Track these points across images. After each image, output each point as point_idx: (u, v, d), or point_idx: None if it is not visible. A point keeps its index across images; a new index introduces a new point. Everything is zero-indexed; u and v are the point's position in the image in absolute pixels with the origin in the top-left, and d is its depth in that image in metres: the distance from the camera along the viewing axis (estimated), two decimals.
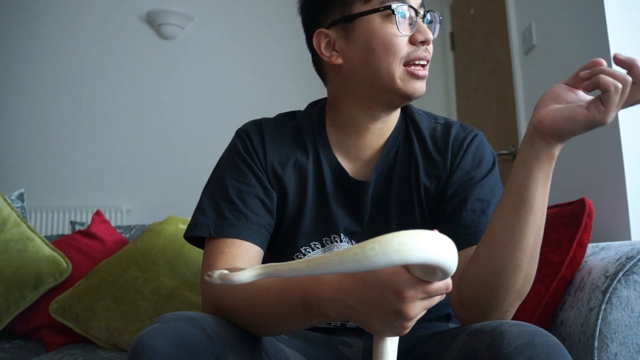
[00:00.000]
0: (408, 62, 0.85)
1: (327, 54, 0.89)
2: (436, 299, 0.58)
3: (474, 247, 0.79)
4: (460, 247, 0.67)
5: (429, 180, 0.89)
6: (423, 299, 0.57)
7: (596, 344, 0.91)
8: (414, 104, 0.98)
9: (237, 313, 0.71)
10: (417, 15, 0.85)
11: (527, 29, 1.84)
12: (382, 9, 0.83)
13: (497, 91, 2.31)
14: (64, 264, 1.54)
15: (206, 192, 0.90)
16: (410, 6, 0.84)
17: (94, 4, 3.16)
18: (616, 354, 0.90)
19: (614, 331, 0.91)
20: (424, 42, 0.84)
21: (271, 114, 1.00)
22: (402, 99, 0.88)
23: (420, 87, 0.86)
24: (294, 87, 3.01)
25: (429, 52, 0.86)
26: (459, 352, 0.67)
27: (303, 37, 0.95)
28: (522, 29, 1.90)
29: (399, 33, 0.83)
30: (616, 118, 1.30)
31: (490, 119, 2.39)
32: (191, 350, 0.61)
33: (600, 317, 0.92)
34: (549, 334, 0.63)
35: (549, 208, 1.24)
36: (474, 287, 0.75)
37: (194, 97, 3.16)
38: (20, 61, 3.11)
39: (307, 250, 0.90)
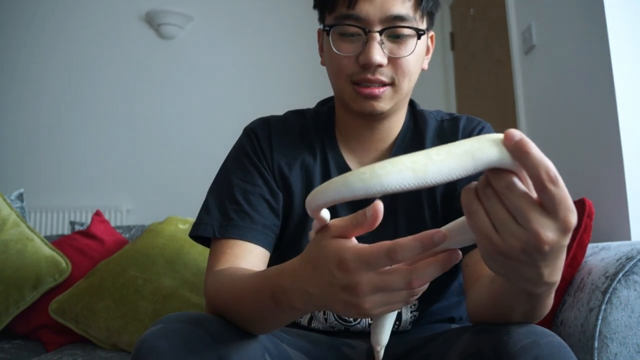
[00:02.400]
0: (355, 82, 0.82)
1: (320, 53, 0.91)
2: (392, 279, 0.49)
3: None
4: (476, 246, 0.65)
5: None
6: (370, 270, 0.49)
7: (596, 344, 0.91)
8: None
9: (228, 311, 0.71)
10: (367, 34, 0.78)
11: (527, 29, 1.84)
12: (326, 27, 0.83)
13: (497, 91, 2.30)
14: (64, 264, 1.54)
15: (212, 191, 0.89)
16: (358, 26, 0.79)
17: (93, 4, 3.16)
18: (616, 354, 0.90)
19: (614, 331, 0.91)
20: (365, 66, 0.79)
21: (271, 113, 0.99)
22: (360, 115, 0.86)
23: (369, 105, 0.82)
24: (294, 87, 3.01)
25: (379, 74, 0.80)
26: (463, 351, 0.66)
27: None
28: (522, 29, 1.90)
29: (340, 54, 0.81)
30: (616, 118, 1.30)
31: (490, 119, 2.38)
32: (195, 351, 0.61)
33: (600, 318, 0.92)
34: (555, 334, 0.63)
35: None
36: (484, 318, 0.70)
37: (194, 97, 3.16)
38: (20, 61, 3.11)
39: None
